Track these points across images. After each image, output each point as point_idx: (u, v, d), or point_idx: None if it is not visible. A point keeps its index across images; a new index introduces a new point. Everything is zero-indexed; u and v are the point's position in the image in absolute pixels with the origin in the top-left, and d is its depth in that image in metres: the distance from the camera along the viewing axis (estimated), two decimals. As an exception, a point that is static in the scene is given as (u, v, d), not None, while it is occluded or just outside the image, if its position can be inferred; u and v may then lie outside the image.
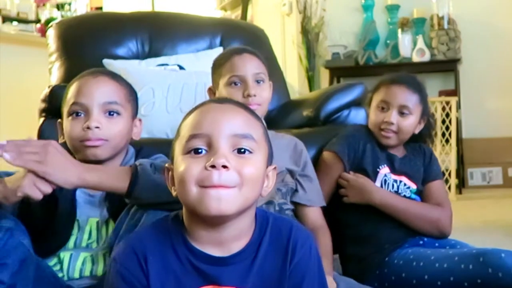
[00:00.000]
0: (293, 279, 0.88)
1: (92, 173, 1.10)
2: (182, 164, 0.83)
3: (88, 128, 1.21)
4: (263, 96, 1.45)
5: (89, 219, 1.23)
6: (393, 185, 1.59)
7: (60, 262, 1.21)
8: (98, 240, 1.23)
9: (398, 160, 1.63)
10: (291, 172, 1.51)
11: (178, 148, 0.86)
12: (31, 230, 1.10)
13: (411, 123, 1.59)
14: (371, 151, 1.61)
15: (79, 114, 1.24)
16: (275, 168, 0.91)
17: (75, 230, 1.22)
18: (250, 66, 1.45)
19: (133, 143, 1.37)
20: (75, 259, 1.21)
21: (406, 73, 1.67)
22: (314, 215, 1.52)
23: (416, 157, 1.68)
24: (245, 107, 0.92)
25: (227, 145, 0.83)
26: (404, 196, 1.59)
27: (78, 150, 1.24)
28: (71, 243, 1.22)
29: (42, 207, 1.16)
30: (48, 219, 1.19)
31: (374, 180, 1.57)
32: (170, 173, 0.89)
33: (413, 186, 1.61)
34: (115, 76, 1.32)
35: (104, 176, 1.12)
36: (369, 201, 1.54)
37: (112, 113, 1.25)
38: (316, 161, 1.69)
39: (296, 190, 1.52)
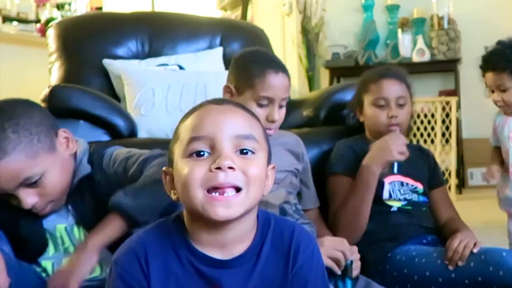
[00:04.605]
0: (296, 283, 0.87)
1: (96, 240, 1.12)
2: (185, 168, 0.81)
3: (28, 208, 1.14)
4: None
5: (57, 226, 1.21)
6: (400, 191, 1.58)
7: (44, 270, 1.20)
8: (73, 243, 1.21)
9: (401, 163, 1.63)
10: (295, 173, 1.53)
11: (178, 151, 0.85)
12: (11, 240, 1.11)
13: (409, 111, 1.63)
14: None
15: (10, 195, 1.14)
16: (273, 167, 0.91)
17: (50, 239, 1.21)
18: None
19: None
20: (58, 264, 1.20)
21: (386, 66, 1.68)
22: (315, 213, 1.59)
23: (419, 158, 1.69)
24: (244, 107, 0.91)
25: (230, 147, 0.82)
26: (412, 200, 1.59)
27: None
28: (50, 252, 1.21)
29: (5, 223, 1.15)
30: (16, 231, 1.17)
31: (381, 191, 1.56)
32: (168, 177, 0.88)
33: (420, 186, 1.61)
34: (1, 155, 1.08)
35: (106, 234, 1.12)
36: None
37: (34, 182, 1.12)
38: (316, 161, 1.70)
39: (298, 194, 1.55)
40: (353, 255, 1.31)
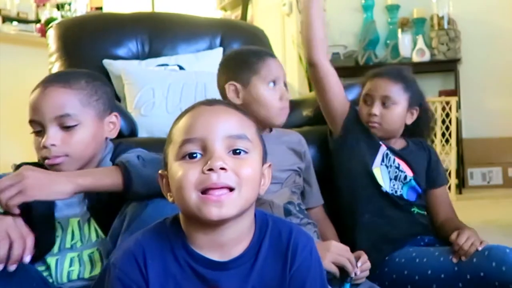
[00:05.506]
0: (295, 283, 0.87)
1: (83, 177, 1.10)
2: (179, 170, 0.82)
3: (45, 146, 1.16)
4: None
5: (70, 220, 1.22)
6: (391, 164, 1.59)
7: (48, 268, 1.20)
8: (82, 239, 1.22)
9: (396, 149, 1.64)
10: (299, 172, 1.54)
11: (171, 154, 0.85)
12: None
13: (397, 113, 1.60)
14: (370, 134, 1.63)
15: (40, 131, 1.19)
16: (270, 165, 0.91)
17: (58, 233, 1.21)
18: None
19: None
20: (62, 263, 1.20)
21: (393, 66, 1.69)
22: (320, 211, 1.61)
23: (417, 149, 1.68)
24: (236, 106, 0.91)
25: (222, 147, 0.82)
26: (401, 188, 1.59)
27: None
28: (55, 247, 1.21)
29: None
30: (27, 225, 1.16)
31: (375, 153, 1.59)
32: (164, 180, 0.88)
33: (409, 174, 1.60)
34: (66, 84, 1.21)
35: (96, 176, 1.11)
36: None
37: (68, 126, 1.19)
38: (318, 160, 1.70)
39: (302, 193, 1.56)
40: (364, 264, 1.33)
